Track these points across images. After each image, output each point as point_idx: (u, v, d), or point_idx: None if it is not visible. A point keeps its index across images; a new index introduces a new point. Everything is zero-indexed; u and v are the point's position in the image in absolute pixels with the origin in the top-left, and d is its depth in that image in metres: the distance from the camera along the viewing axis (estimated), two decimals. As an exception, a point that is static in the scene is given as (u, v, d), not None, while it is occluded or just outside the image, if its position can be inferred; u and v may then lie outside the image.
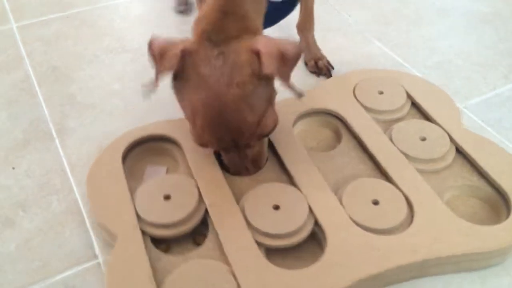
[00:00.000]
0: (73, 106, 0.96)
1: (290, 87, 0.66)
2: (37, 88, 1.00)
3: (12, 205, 0.79)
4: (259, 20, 0.74)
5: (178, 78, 0.67)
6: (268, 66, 0.64)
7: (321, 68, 1.02)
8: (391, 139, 0.83)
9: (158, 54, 0.68)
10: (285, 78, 0.66)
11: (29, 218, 0.77)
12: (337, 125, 0.88)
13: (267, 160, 0.80)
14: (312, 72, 1.03)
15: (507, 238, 0.69)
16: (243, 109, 0.66)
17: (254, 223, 0.69)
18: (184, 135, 0.82)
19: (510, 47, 1.10)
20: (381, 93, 0.91)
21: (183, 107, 0.70)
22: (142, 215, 0.71)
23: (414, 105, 0.91)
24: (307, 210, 0.71)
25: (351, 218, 0.71)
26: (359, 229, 0.70)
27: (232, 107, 0.65)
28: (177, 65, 0.66)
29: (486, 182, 0.78)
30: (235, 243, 0.68)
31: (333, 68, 1.02)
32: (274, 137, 0.81)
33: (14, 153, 0.87)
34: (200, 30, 0.67)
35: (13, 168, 0.84)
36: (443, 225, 0.70)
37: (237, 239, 0.68)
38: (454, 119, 0.87)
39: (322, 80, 1.01)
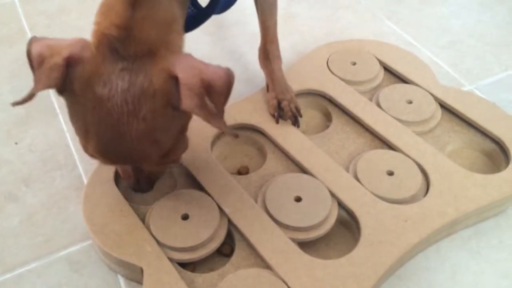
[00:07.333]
0: (76, 81, 0.94)
1: (221, 128, 0.52)
2: (40, 62, 0.98)
3: (15, 180, 0.77)
4: (182, 23, 0.58)
5: (67, 89, 0.52)
6: (188, 102, 0.50)
7: (285, 111, 0.79)
8: (380, 107, 0.83)
9: (36, 62, 0.52)
10: (211, 117, 0.51)
11: (33, 193, 0.76)
12: (323, 104, 0.86)
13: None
14: (272, 114, 0.80)
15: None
16: (148, 145, 0.54)
17: (282, 220, 0.66)
18: None
19: (524, 28, 1.08)
20: (354, 64, 0.91)
21: (73, 121, 0.55)
22: (165, 241, 0.64)
23: (387, 70, 0.92)
24: (329, 195, 0.69)
25: (373, 194, 0.70)
26: (384, 202, 0.69)
27: (133, 143, 0.53)
28: (59, 81, 0.51)
29: (477, 131, 0.80)
30: (270, 245, 0.64)
31: (300, 116, 0.80)
32: (269, 128, 0.79)
33: (16, 128, 0.86)
34: (101, 33, 0.52)
35: (16, 143, 0.83)
36: (459, 182, 0.71)
37: (271, 241, 0.64)
38: (429, 78, 0.88)
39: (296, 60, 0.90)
